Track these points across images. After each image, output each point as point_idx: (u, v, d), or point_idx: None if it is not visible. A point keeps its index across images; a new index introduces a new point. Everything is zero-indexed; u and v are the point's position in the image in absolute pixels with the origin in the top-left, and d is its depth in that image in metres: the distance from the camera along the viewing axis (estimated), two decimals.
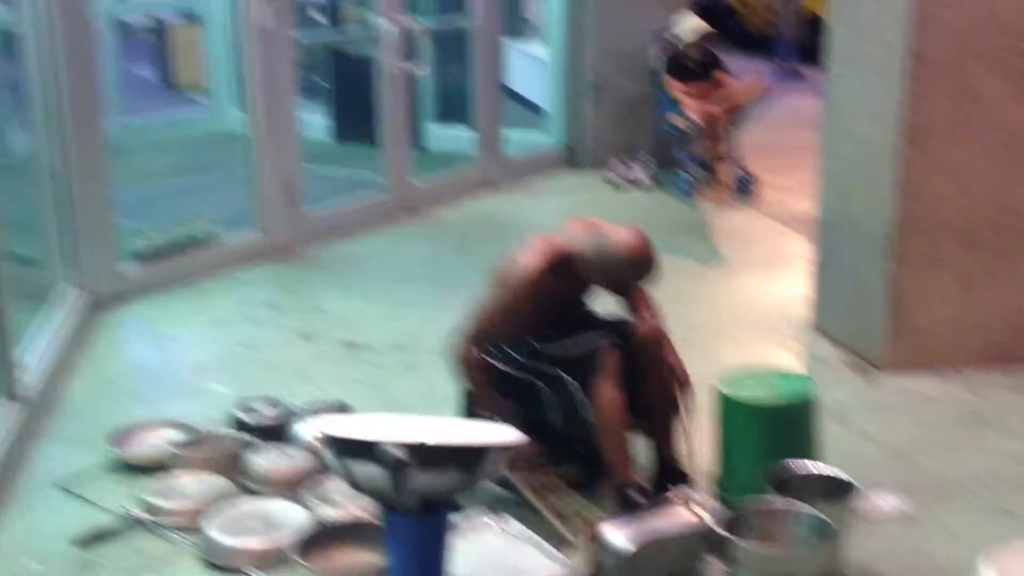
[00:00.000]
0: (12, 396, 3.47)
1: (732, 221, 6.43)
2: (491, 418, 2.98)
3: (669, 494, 2.86)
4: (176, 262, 5.10)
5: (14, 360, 3.53)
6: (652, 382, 3.02)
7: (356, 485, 2.48)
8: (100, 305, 4.69)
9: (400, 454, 2.30)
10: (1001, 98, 3.78)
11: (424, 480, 2.36)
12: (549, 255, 3.01)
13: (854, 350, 4.16)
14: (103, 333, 4.48)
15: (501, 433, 2.51)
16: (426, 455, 2.32)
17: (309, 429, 2.53)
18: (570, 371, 2.98)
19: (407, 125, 6.42)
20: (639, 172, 7.28)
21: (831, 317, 4.36)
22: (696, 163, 6.94)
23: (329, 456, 2.47)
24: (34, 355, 3.91)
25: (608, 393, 2.90)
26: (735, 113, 6.87)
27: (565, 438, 3.08)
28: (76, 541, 2.88)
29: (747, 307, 4.85)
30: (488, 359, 3.07)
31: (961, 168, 3.82)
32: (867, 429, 3.60)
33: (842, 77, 4.14)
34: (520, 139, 7.61)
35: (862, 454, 3.42)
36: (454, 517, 2.51)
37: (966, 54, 3.73)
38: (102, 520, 2.98)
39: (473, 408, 3.17)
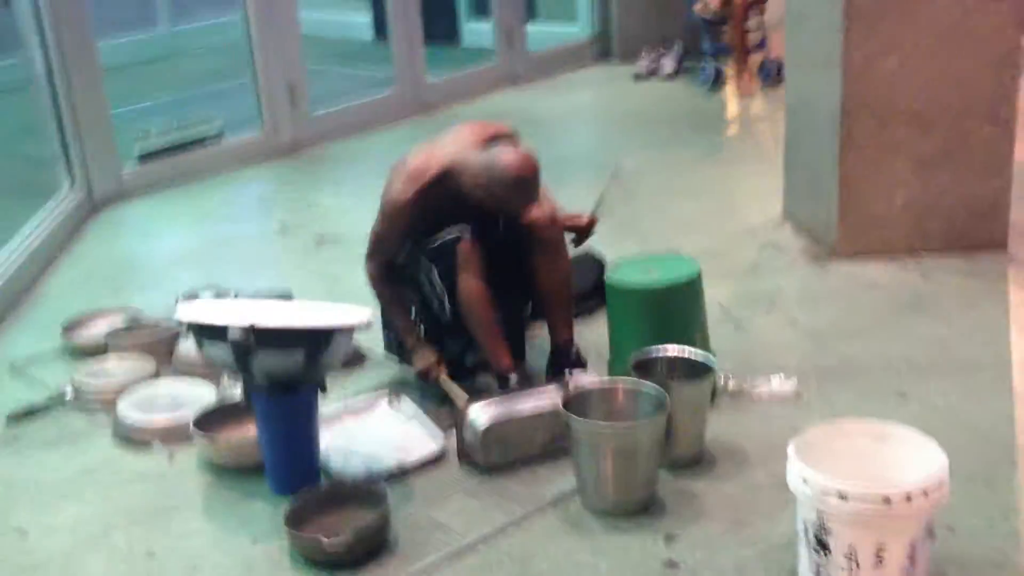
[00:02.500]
0: None
1: (749, 110, 6.31)
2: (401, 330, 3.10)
3: (561, 377, 2.94)
4: (177, 161, 5.32)
5: None
6: (542, 266, 3.04)
7: (213, 364, 2.64)
8: (99, 203, 4.95)
9: (239, 335, 2.44)
10: None
11: (268, 360, 2.50)
12: (418, 182, 2.93)
13: (814, 238, 4.10)
14: (95, 229, 4.75)
15: (349, 314, 2.61)
16: (263, 336, 2.45)
17: (180, 312, 2.68)
18: (436, 265, 3.01)
19: (419, 19, 6.44)
20: (667, 63, 7.17)
21: (796, 205, 4.29)
22: (721, 52, 6.80)
23: (193, 336, 2.63)
24: (19, 249, 4.19)
25: (467, 284, 2.93)
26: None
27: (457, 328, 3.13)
28: (7, 416, 3.14)
29: (730, 198, 4.80)
30: (386, 273, 3.10)
31: (910, 48, 3.67)
32: (797, 316, 3.58)
33: None
34: (549, 32, 7.55)
35: (779, 339, 3.42)
36: (312, 395, 2.64)
37: None
38: (37, 399, 3.23)
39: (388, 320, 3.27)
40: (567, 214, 3.29)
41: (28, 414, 3.15)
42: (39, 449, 3.00)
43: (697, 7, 6.70)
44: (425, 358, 3.07)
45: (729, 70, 6.78)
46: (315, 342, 2.51)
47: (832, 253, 3.96)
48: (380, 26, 8.27)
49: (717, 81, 6.70)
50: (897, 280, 3.76)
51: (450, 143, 3.02)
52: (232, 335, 2.45)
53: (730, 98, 6.54)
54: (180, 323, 3.41)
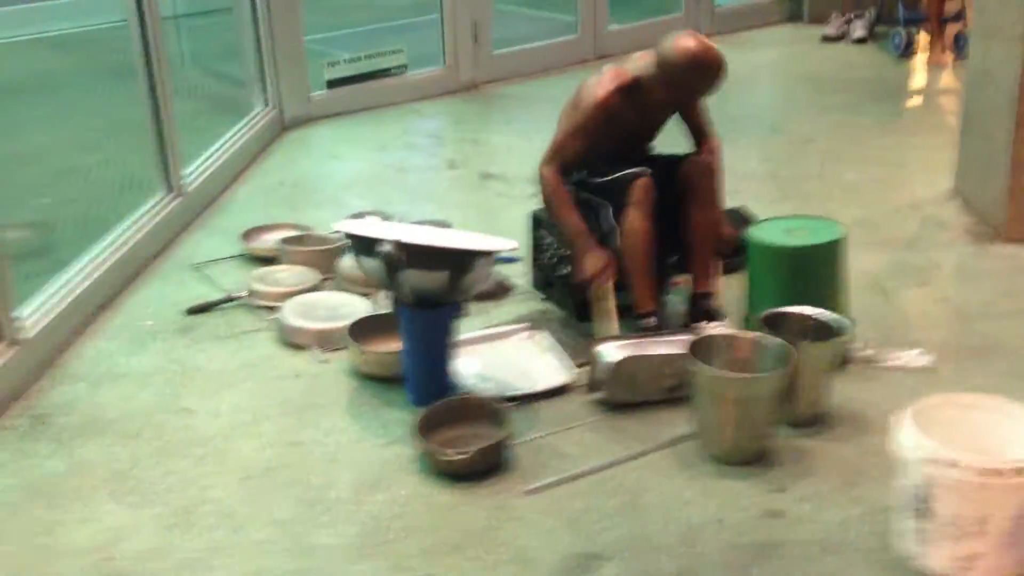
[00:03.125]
0: (173, 191, 4.10)
1: (936, 82, 6.10)
2: (560, 236, 3.19)
3: (694, 327, 3.02)
4: (361, 90, 5.59)
5: (176, 162, 4.13)
6: (693, 214, 3.12)
7: (368, 276, 2.85)
8: (288, 124, 5.29)
9: (389, 250, 2.63)
10: None
11: (415, 277, 2.68)
12: (618, 80, 3.11)
13: (981, 217, 4.00)
14: (282, 149, 5.08)
15: (494, 243, 2.77)
16: (411, 253, 2.63)
17: (341, 225, 2.90)
18: (609, 200, 3.14)
19: None
20: (858, 28, 6.98)
21: (966, 182, 4.18)
22: (917, 21, 6.58)
23: (351, 250, 2.85)
24: (213, 160, 4.53)
25: (634, 222, 3.05)
26: None
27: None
28: (186, 309, 3.46)
29: (900, 169, 4.70)
30: (564, 179, 3.19)
31: None
32: (948, 293, 3.53)
33: None
34: None
35: (925, 314, 3.39)
36: (452, 313, 2.82)
37: None
38: (213, 297, 3.54)
39: (538, 228, 3.42)
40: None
41: (203, 309, 3.46)
42: (210, 341, 3.30)
43: None
44: (595, 261, 3.08)
45: (922, 39, 6.55)
46: (458, 263, 2.68)
47: (997, 234, 3.85)
48: None
49: (908, 49, 6.49)
50: None
51: (640, 59, 3.14)
52: (383, 249, 2.64)
53: (919, 68, 6.33)
54: (343, 239, 3.67)
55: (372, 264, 2.73)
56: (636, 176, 3.07)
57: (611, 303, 3.09)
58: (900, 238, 3.94)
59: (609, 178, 3.14)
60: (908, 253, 3.82)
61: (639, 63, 3.14)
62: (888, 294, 3.49)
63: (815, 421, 2.75)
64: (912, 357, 3.02)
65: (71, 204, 4.40)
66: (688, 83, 3.00)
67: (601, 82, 3.14)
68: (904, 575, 2.22)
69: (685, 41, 2.96)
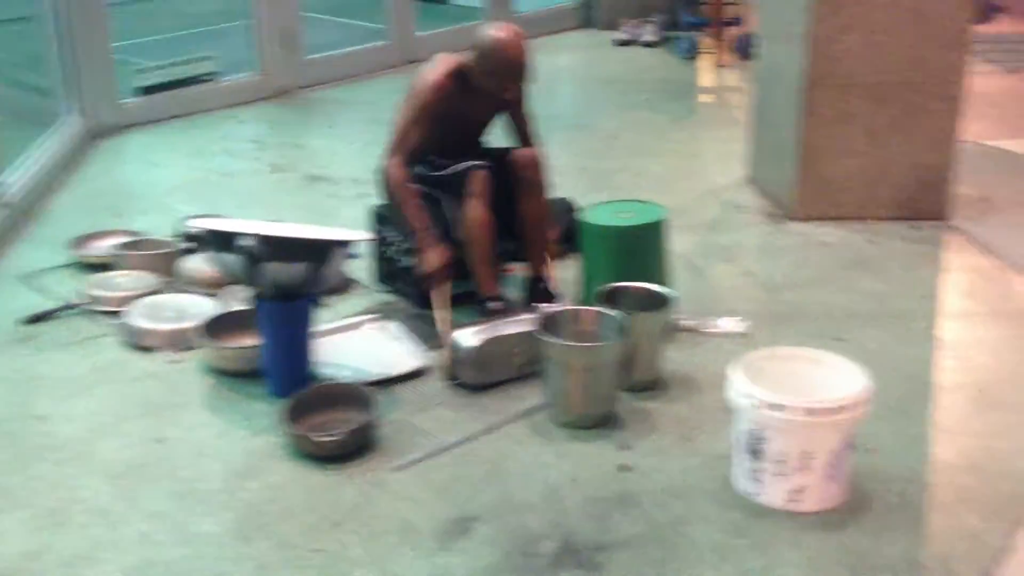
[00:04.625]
0: None
1: (722, 81, 6.60)
2: (406, 229, 3.30)
3: (534, 308, 3.23)
4: (175, 97, 5.54)
5: None
6: (524, 204, 3.35)
7: (227, 273, 2.92)
8: (99, 133, 5.19)
9: (250, 243, 2.72)
10: None
11: (275, 269, 2.78)
12: (447, 65, 3.30)
13: (773, 200, 4.42)
14: (97, 157, 4.99)
15: (345, 233, 2.90)
16: (272, 246, 2.73)
17: (197, 223, 2.95)
18: (447, 192, 3.32)
19: None
20: (648, 32, 7.44)
21: (758, 169, 4.60)
22: (699, 25, 7.08)
23: (209, 246, 2.91)
24: (26, 171, 4.42)
25: (474, 212, 3.24)
26: None
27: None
28: (23, 319, 3.40)
29: (698, 160, 5.10)
30: (406, 170, 3.30)
31: (871, 25, 3.97)
32: (752, 268, 3.90)
33: None
34: None
35: (734, 287, 3.74)
36: (310, 304, 2.92)
37: None
38: (49, 305, 3.48)
39: (380, 222, 3.56)
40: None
41: (41, 318, 3.41)
42: (54, 349, 3.26)
43: None
44: (435, 257, 3.21)
45: (705, 42, 7.06)
46: (317, 254, 2.79)
47: (789, 215, 4.27)
48: None
49: (693, 52, 6.98)
50: (846, 241, 4.08)
51: (459, 54, 3.35)
52: (243, 243, 2.72)
53: (705, 69, 6.83)
54: (185, 239, 3.69)
55: (230, 259, 2.80)
56: (474, 168, 3.26)
57: (446, 298, 3.26)
58: (704, 221, 4.30)
59: (447, 171, 3.32)
60: (713, 234, 4.19)
61: (465, 53, 3.34)
62: (699, 271, 3.83)
63: (652, 386, 3.02)
64: (730, 324, 3.35)
65: None
66: (496, 68, 3.22)
67: (433, 69, 3.33)
68: (744, 511, 2.51)
69: (495, 30, 3.24)
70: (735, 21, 7.04)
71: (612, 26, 7.57)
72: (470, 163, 3.27)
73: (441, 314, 3.22)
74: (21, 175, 4.34)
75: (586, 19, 7.84)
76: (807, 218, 4.23)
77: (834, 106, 4.09)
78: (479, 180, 3.24)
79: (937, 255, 3.96)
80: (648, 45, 7.32)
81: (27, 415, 2.92)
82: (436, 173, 3.34)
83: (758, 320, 3.42)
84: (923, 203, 4.20)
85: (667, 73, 6.71)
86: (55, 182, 4.60)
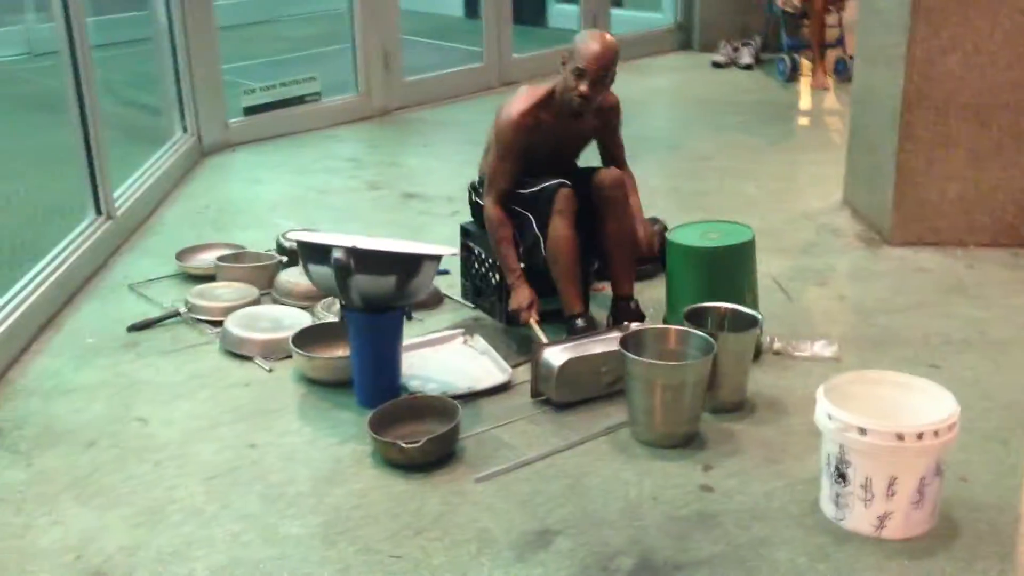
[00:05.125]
0: (103, 215, 4.17)
1: (821, 104, 6.53)
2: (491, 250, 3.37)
3: (620, 327, 3.25)
4: (278, 117, 5.72)
5: (108, 188, 4.21)
6: (608, 224, 3.36)
7: (318, 285, 3.00)
8: (207, 151, 5.39)
9: (341, 256, 2.80)
10: None
11: (364, 281, 2.85)
12: (530, 98, 3.33)
13: (869, 224, 4.35)
14: (203, 174, 5.18)
15: (434, 248, 2.96)
16: (362, 258, 2.80)
17: (292, 235, 3.05)
18: (534, 210, 3.35)
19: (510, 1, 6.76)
20: (746, 55, 7.40)
21: (855, 193, 4.54)
22: (799, 47, 7.02)
23: (300, 259, 3.00)
24: (138, 186, 4.61)
25: (558, 230, 3.26)
26: None
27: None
28: (128, 326, 3.55)
29: (793, 182, 5.05)
30: (503, 210, 3.35)
31: (972, 46, 3.90)
32: (845, 292, 3.85)
33: None
34: (634, 17, 7.82)
35: (826, 310, 3.70)
36: (399, 317, 2.99)
37: None
38: (153, 313, 3.63)
39: (468, 240, 3.62)
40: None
41: (145, 326, 3.55)
42: (156, 355, 3.40)
43: (778, 1, 6.93)
44: (522, 297, 3.29)
45: (805, 64, 6.99)
46: (406, 267, 2.86)
47: (885, 239, 4.20)
48: (472, 4, 8.62)
49: (792, 74, 6.92)
50: (944, 267, 4.00)
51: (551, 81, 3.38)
52: (335, 256, 2.80)
53: (804, 91, 6.76)
54: (283, 253, 3.80)
55: (322, 271, 2.89)
56: (558, 187, 3.29)
57: (537, 327, 3.28)
58: (798, 244, 4.26)
59: (533, 190, 3.35)
60: (806, 257, 4.14)
61: (550, 80, 3.38)
62: (790, 294, 3.79)
63: (738, 407, 3.01)
64: (819, 348, 3.31)
65: None
66: (580, 57, 3.21)
67: (515, 102, 3.36)
68: (826, 535, 2.47)
69: (588, 30, 3.30)
70: (836, 43, 6.96)
71: (710, 48, 7.57)
72: (555, 181, 3.31)
73: (536, 334, 3.24)
74: (133, 190, 4.53)
75: (684, 41, 7.85)
76: (904, 243, 4.16)
77: (933, 129, 4.02)
78: (563, 198, 3.27)
79: None
80: (746, 67, 7.30)
81: (129, 417, 3.05)
82: (523, 191, 3.38)
83: (850, 345, 3.38)
84: None
85: (764, 95, 6.67)
86: (164, 196, 4.80)
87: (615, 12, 7.56)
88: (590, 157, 3.60)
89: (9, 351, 3.31)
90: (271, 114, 5.72)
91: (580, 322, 3.30)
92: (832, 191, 4.70)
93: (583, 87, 3.22)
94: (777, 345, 3.33)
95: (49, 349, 3.43)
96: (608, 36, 3.28)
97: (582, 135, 3.47)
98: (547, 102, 3.33)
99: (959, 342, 3.41)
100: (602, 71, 3.23)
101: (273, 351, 3.34)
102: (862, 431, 2.38)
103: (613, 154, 3.53)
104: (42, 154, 4.97)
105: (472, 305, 3.68)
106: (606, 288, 3.58)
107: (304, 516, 2.58)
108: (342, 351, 3.18)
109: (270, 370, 3.28)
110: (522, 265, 3.36)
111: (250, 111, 5.68)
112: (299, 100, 5.83)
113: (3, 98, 6.57)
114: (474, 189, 3.60)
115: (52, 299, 3.64)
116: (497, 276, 3.47)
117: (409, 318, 3.04)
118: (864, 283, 3.92)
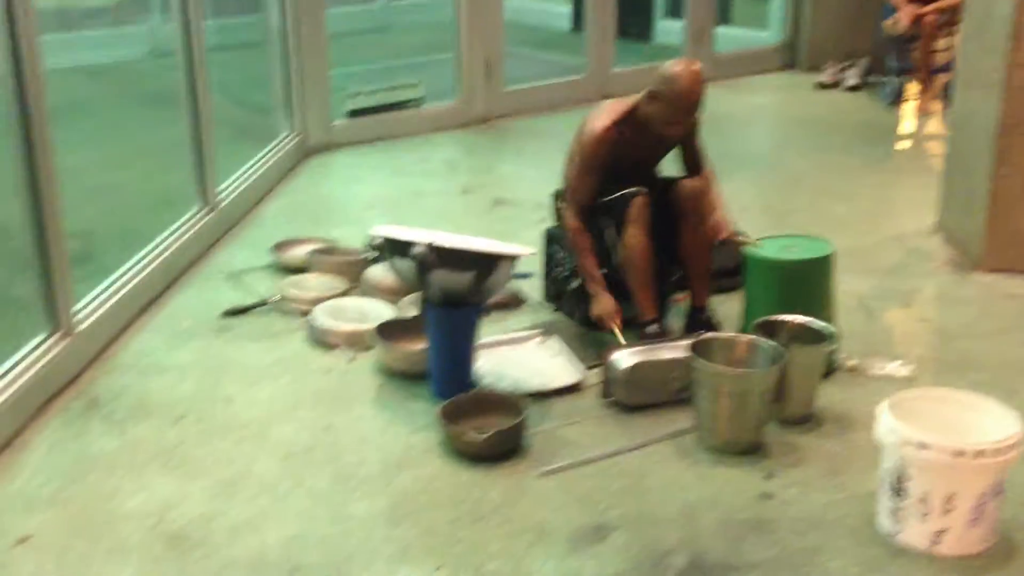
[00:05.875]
0: (208, 206, 4.39)
1: (924, 128, 6.43)
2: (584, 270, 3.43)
3: (692, 335, 3.29)
4: (380, 120, 5.91)
5: (213, 181, 4.43)
6: (686, 234, 3.41)
7: (400, 277, 3.13)
8: (311, 150, 5.60)
9: (421, 251, 2.91)
10: None
11: (443, 277, 2.96)
12: (614, 113, 3.39)
13: (961, 249, 4.29)
14: (305, 172, 5.39)
15: (514, 248, 3.05)
16: (443, 254, 2.91)
17: (378, 232, 3.18)
18: (610, 218, 3.41)
19: (615, 13, 6.84)
20: (852, 76, 7.33)
21: (948, 217, 4.47)
22: (908, 71, 6.92)
23: (386, 252, 3.13)
24: (243, 181, 4.83)
25: (632, 237, 3.32)
26: (951, 18, 6.75)
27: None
28: (222, 312, 3.73)
29: (887, 204, 5.01)
30: (583, 221, 3.42)
31: None
32: (928, 314, 3.81)
33: None
34: (739, 35, 7.82)
35: (906, 332, 3.67)
36: (475, 313, 3.09)
37: None
38: (247, 301, 3.81)
39: (551, 244, 3.70)
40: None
41: (239, 312, 3.73)
42: (246, 340, 3.57)
43: (887, 24, 6.84)
44: (605, 305, 3.36)
45: (912, 88, 6.89)
46: (483, 265, 2.96)
47: (975, 265, 4.14)
48: (578, 18, 8.70)
49: (898, 98, 6.83)
50: None
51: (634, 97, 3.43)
52: (416, 251, 2.92)
53: (908, 115, 6.67)
54: (372, 247, 3.93)
55: (404, 265, 3.01)
56: (634, 195, 3.34)
57: (618, 335, 3.34)
58: (885, 266, 4.23)
59: (610, 198, 3.41)
60: (892, 279, 4.11)
61: (633, 96, 3.42)
62: (872, 313, 3.77)
63: (804, 420, 3.02)
64: (894, 368, 3.29)
65: (109, 217, 4.67)
66: (668, 97, 3.24)
67: (599, 117, 3.41)
68: (880, 548, 2.48)
69: (675, 63, 3.30)
70: (946, 68, 6.83)
71: (815, 69, 7.51)
72: (631, 189, 3.36)
73: (617, 339, 3.31)
74: (237, 184, 4.75)
75: (789, 61, 7.80)
76: (994, 269, 4.09)
77: None
78: (638, 206, 3.32)
79: None
80: (851, 89, 7.22)
81: (216, 397, 3.21)
82: (600, 199, 3.44)
83: (926, 366, 3.35)
84: None
85: (867, 117, 6.60)
86: (266, 192, 5.01)
87: (720, 30, 7.56)
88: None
89: (112, 328, 3.52)
90: (374, 117, 5.91)
91: (652, 328, 3.36)
92: (926, 215, 4.64)
93: (671, 130, 3.31)
94: (852, 362, 3.32)
95: (148, 329, 3.63)
96: (696, 72, 3.26)
97: (664, 145, 3.52)
98: (630, 117, 3.39)
99: None
100: (690, 113, 3.29)
101: (357, 341, 3.47)
102: (922, 446, 2.39)
103: (692, 160, 3.56)
104: (157, 147, 5.22)
105: (553, 307, 3.76)
106: (686, 298, 3.62)
107: (371, 497, 2.70)
108: (420, 344, 3.29)
109: (352, 359, 3.42)
110: (604, 271, 3.42)
111: (354, 114, 5.87)
112: (402, 104, 6.01)
113: (127, 95, 6.90)
114: (559, 196, 3.68)
115: (154, 283, 3.85)
116: (578, 281, 3.54)
117: (484, 312, 3.13)
118: (949, 307, 3.87)
